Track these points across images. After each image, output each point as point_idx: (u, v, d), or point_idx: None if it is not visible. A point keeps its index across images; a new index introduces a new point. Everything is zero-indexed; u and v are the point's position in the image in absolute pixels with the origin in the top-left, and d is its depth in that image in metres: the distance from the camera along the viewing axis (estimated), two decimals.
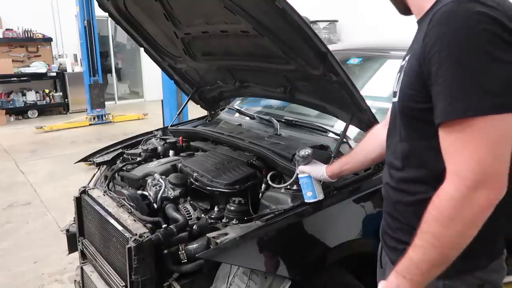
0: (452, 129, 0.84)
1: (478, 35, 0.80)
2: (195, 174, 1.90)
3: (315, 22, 8.17)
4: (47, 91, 9.27)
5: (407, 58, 1.00)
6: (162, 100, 6.12)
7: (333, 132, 2.02)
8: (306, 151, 1.55)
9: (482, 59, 0.80)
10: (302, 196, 1.53)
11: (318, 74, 1.67)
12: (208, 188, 1.81)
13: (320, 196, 1.51)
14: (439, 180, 0.88)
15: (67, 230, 2.17)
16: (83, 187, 1.95)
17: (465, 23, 0.81)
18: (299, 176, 1.55)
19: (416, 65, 0.91)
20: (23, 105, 8.98)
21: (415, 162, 1.01)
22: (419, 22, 1.01)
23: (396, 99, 1.06)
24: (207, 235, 1.42)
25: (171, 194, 1.86)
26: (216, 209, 1.77)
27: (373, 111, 1.68)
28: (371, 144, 1.42)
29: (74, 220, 2.09)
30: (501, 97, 0.80)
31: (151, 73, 8.82)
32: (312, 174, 1.51)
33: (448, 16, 0.83)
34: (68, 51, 9.57)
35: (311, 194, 1.50)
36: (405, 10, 1.12)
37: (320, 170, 1.50)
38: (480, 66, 0.80)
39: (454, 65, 0.81)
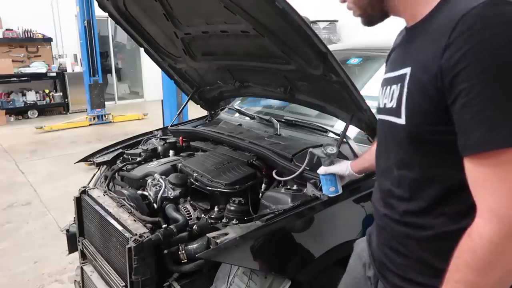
0: (488, 160, 0.70)
1: None
2: (195, 174, 1.90)
3: (315, 22, 8.17)
4: (47, 91, 9.28)
5: (406, 70, 0.85)
6: (162, 100, 6.13)
7: (333, 132, 2.02)
8: (333, 149, 1.54)
9: None
10: (322, 190, 1.56)
11: (318, 74, 1.67)
12: (208, 188, 1.81)
13: (341, 190, 1.54)
14: (463, 213, 0.77)
15: (67, 230, 2.17)
16: (83, 187, 1.95)
17: (503, 30, 0.68)
18: (322, 174, 1.56)
19: (429, 81, 0.77)
20: (23, 105, 8.98)
21: (429, 192, 0.86)
22: (412, 29, 0.90)
23: (388, 117, 0.92)
24: (207, 235, 1.42)
25: (171, 194, 1.86)
26: (216, 209, 1.77)
27: (373, 111, 1.68)
28: None
29: (74, 220, 2.09)
30: None
31: (151, 73, 8.82)
32: (339, 172, 1.52)
33: (481, 22, 0.69)
34: (68, 51, 9.58)
35: (334, 189, 1.53)
36: (378, 17, 0.98)
37: (345, 167, 1.50)
38: None
39: (493, 82, 0.68)
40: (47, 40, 9.35)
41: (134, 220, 1.60)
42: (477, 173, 0.73)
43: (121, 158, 2.43)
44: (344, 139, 1.79)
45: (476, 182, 0.73)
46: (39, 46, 9.30)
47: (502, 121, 0.68)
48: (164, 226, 1.55)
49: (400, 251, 0.95)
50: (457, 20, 0.72)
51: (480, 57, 0.69)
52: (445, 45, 0.73)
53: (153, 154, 2.36)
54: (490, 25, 0.69)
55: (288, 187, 1.73)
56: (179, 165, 2.07)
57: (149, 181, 1.97)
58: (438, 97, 0.76)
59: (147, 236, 1.45)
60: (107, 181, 2.16)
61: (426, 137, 0.82)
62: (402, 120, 0.85)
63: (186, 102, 2.87)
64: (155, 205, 1.85)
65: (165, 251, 1.49)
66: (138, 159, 2.32)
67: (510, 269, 0.71)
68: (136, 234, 1.46)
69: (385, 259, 1.01)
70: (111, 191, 1.97)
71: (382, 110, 0.97)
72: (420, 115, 0.81)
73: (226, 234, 1.40)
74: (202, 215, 1.79)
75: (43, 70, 9.01)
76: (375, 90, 2.36)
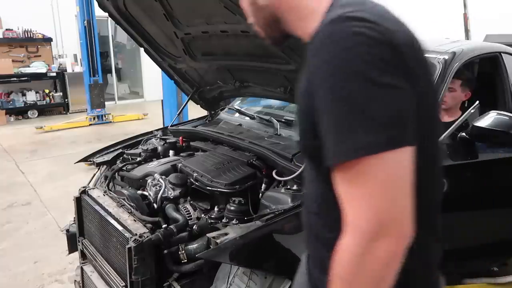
0: (342, 172, 0.71)
1: (358, 60, 0.69)
2: (195, 174, 1.90)
3: None
4: (47, 91, 9.28)
5: (300, 87, 0.86)
6: (162, 100, 6.13)
7: None
8: None
9: (364, 87, 0.68)
10: None
11: None
12: (208, 188, 1.81)
13: None
14: None
15: (67, 230, 2.17)
16: (83, 187, 1.95)
17: (341, 47, 0.69)
18: None
19: (304, 100, 0.80)
20: (23, 105, 8.98)
21: (331, 207, 0.84)
22: (307, 45, 0.89)
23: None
24: (207, 235, 1.42)
25: (171, 194, 1.86)
26: (216, 209, 1.77)
27: None
28: None
29: (74, 220, 2.09)
30: (392, 130, 0.68)
31: (151, 73, 8.81)
32: None
33: (323, 41, 0.72)
34: (68, 51, 9.58)
35: None
36: (281, 38, 0.99)
37: None
38: (364, 95, 0.68)
39: (335, 98, 0.70)
40: (47, 40, 9.35)
41: (134, 220, 1.60)
42: (338, 187, 0.74)
43: (121, 158, 2.43)
44: None
45: (339, 196, 0.74)
46: (39, 46, 9.30)
47: (348, 134, 0.69)
48: (164, 226, 1.55)
49: (324, 267, 0.89)
50: (310, 40, 0.76)
51: (323, 76, 0.71)
52: (307, 65, 0.77)
53: (153, 154, 2.36)
54: (330, 44, 0.71)
55: (288, 187, 1.73)
56: (179, 165, 2.07)
57: (149, 181, 1.97)
58: (312, 116, 0.77)
59: (147, 236, 1.45)
60: (107, 181, 2.16)
61: (315, 153, 0.81)
62: (297, 136, 0.87)
63: (186, 102, 2.87)
64: (155, 205, 1.85)
65: (165, 251, 1.49)
66: (138, 159, 2.32)
67: (374, 281, 0.71)
68: (136, 234, 1.46)
69: (316, 277, 0.97)
70: (111, 191, 1.97)
71: None
72: (304, 132, 0.83)
73: (226, 234, 1.40)
74: (202, 215, 1.79)
75: (43, 70, 9.01)
76: None
